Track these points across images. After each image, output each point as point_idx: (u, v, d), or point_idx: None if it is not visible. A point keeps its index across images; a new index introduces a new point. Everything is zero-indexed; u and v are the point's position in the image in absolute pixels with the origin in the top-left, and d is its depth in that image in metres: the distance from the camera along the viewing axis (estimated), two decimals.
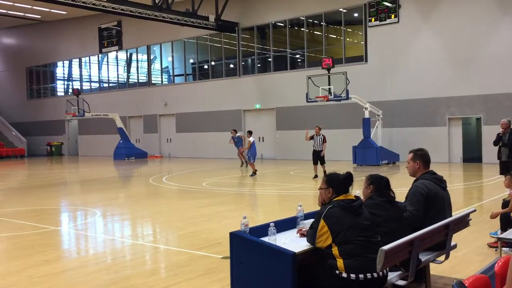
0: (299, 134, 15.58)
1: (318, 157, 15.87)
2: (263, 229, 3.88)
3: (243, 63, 27.78)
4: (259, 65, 27.41)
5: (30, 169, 26.09)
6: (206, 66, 29.98)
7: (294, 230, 4.21)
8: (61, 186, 17.28)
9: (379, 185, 4.12)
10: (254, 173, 17.38)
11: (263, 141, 26.74)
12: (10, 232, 8.70)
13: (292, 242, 3.81)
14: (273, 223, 3.82)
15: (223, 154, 27.06)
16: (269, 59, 26.65)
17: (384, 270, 3.52)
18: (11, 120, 37.78)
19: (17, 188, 16.74)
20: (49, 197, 13.84)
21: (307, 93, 20.29)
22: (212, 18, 25.43)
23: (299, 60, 26.29)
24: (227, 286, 4.99)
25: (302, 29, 25.72)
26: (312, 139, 16.04)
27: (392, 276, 3.75)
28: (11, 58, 39.32)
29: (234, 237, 3.71)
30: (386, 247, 3.28)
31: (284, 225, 4.20)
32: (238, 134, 21.12)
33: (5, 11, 31.64)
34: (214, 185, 15.11)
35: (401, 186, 7.44)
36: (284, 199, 12.49)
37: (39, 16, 33.54)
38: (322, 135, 15.96)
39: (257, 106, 26.66)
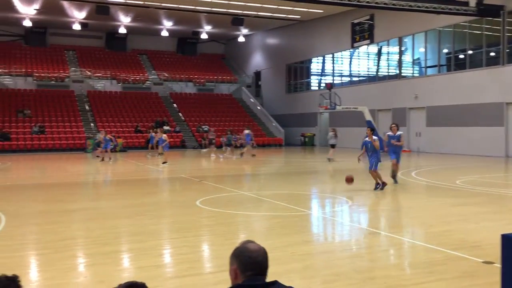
0: None
1: None
2: None
3: (507, 50, 24.73)
4: None
5: (287, 157, 28.67)
6: (462, 56, 27.76)
7: None
8: (313, 174, 18.52)
9: None
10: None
11: None
12: (273, 212, 9.77)
13: None
14: None
15: (480, 151, 24.74)
16: None
17: None
18: (271, 112, 42.15)
19: (276, 174, 18.62)
20: (303, 184, 14.98)
21: None
22: (472, 2, 23.32)
23: None
24: None
25: None
26: None
27: None
28: (274, 57, 43.74)
29: (508, 240, 3.36)
30: None
31: None
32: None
33: (271, 14, 35.31)
34: (469, 183, 13.95)
35: None
36: None
37: (298, 17, 36.36)
38: None
39: None
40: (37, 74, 38.17)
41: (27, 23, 37.48)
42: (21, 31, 41.27)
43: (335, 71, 37.80)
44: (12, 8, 34.31)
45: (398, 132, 13.89)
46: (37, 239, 7.63)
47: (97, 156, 23.59)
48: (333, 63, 37.64)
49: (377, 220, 9.26)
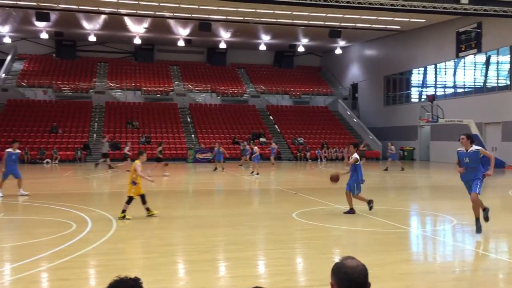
0: None
1: None
2: None
3: None
4: None
5: (385, 171, 27.78)
6: None
7: None
8: (412, 190, 17.77)
9: None
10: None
11: None
12: (370, 228, 9.53)
13: None
14: None
15: None
16: None
17: None
18: (369, 125, 41.17)
19: (374, 188, 18.09)
20: (402, 199, 14.43)
21: None
22: None
23: None
24: None
25: None
26: None
27: None
28: (371, 68, 42.81)
29: None
30: None
31: None
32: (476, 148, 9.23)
33: (369, 25, 34.66)
34: None
35: None
36: None
37: (398, 27, 35.29)
38: None
39: None
40: (145, 88, 40.89)
41: (137, 41, 40.45)
42: (131, 48, 44.61)
43: (437, 82, 36.09)
44: (125, 28, 37.28)
45: (473, 148, 8.77)
46: (143, 243, 8.15)
47: (240, 165, 25.60)
48: (435, 74, 35.98)
49: (483, 241, 8.66)
